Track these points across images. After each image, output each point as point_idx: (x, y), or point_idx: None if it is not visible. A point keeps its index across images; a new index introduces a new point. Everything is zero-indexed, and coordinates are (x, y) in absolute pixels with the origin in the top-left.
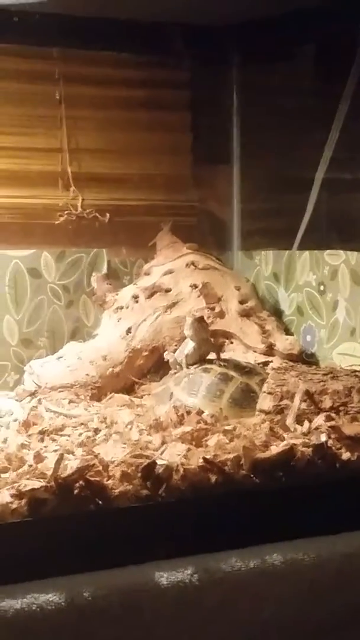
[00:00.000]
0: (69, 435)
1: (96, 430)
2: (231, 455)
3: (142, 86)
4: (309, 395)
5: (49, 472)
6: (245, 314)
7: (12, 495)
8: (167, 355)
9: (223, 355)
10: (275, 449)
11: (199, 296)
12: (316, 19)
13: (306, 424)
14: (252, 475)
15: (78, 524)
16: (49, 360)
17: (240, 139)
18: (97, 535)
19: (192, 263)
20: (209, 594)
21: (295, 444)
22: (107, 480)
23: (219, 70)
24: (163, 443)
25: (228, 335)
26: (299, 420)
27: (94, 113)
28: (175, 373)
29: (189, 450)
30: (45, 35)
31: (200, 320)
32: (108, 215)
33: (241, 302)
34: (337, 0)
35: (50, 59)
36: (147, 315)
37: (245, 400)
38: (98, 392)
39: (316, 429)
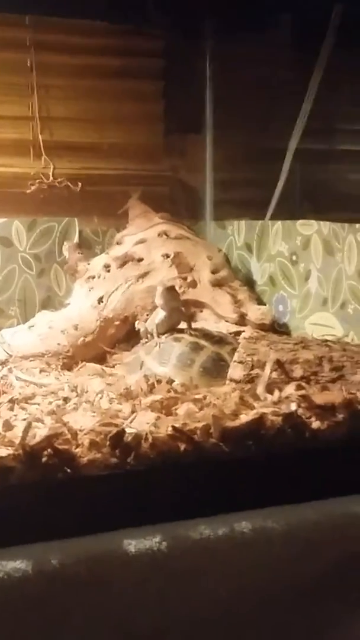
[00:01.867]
0: (39, 404)
1: (66, 399)
2: (200, 424)
3: (114, 54)
4: (279, 364)
5: (17, 440)
6: (218, 284)
7: None
8: (139, 325)
9: (194, 325)
10: (245, 417)
11: (170, 266)
12: None
13: (276, 393)
14: (221, 444)
15: (46, 492)
16: (20, 329)
17: (213, 108)
18: (65, 503)
19: (164, 232)
20: (177, 561)
21: (265, 413)
22: (76, 449)
23: (192, 39)
24: (133, 412)
25: (200, 305)
26: (269, 389)
27: (66, 81)
28: (146, 342)
29: (158, 418)
30: (17, 2)
31: (171, 290)
32: (80, 184)
33: (213, 272)
34: None
35: (21, 26)
36: (119, 285)
37: (215, 369)
38: (69, 361)
39: (286, 398)
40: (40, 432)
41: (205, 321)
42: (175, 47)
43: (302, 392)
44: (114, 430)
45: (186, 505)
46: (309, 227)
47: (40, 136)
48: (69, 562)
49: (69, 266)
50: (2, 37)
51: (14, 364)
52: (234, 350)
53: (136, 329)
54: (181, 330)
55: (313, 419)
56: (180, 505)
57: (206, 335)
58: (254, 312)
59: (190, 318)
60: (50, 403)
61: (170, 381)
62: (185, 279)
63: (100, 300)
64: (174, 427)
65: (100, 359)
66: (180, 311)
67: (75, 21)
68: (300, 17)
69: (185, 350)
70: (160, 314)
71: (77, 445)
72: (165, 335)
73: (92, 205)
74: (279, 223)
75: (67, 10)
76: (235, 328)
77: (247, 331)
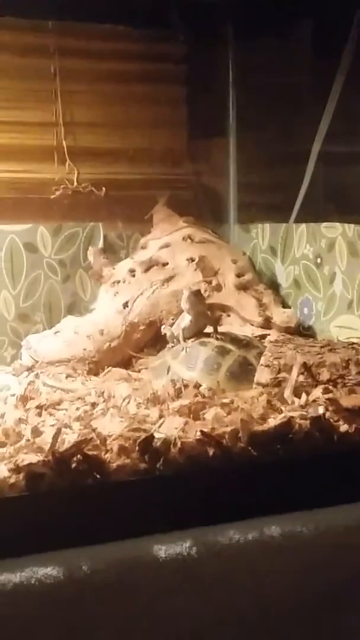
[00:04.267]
0: (66, 410)
1: (93, 405)
2: (229, 428)
3: (138, 59)
4: (306, 367)
5: (47, 447)
6: (242, 287)
7: (9, 470)
8: (165, 329)
9: (220, 329)
10: (273, 421)
11: (195, 270)
12: None
13: (304, 396)
14: (249, 448)
15: (76, 497)
16: (46, 335)
17: (236, 112)
18: (95, 509)
19: (189, 236)
20: (207, 566)
21: (292, 417)
22: (105, 454)
23: (215, 44)
24: (160, 417)
25: (225, 309)
26: (296, 392)
27: (90, 86)
28: (172, 347)
29: (186, 423)
30: (40, 8)
31: (197, 294)
32: (104, 189)
33: (238, 276)
34: None
35: (45, 31)
36: (144, 289)
37: (242, 373)
38: (95, 367)
39: (314, 401)
40: (69, 438)
41: (231, 325)
42: (198, 52)
43: (329, 395)
44: (143, 435)
45: (215, 510)
46: (333, 230)
47: (64, 142)
48: (99, 568)
49: (94, 271)
50: (26, 43)
51: (40, 369)
52: (260, 354)
53: (162, 334)
54: (207, 335)
55: (341, 422)
56: (210, 510)
57: (233, 339)
58: (279, 316)
59: (216, 322)
60: (77, 409)
61: (197, 385)
62: (210, 282)
63: (125, 305)
64: (202, 432)
65: (126, 363)
66: (206, 315)
67: (98, 26)
68: (323, 19)
69: (212, 355)
70: (186, 318)
71: (107, 451)
72: (192, 339)
73: (116, 210)
74: (303, 226)
75: (90, 16)
76: (260, 331)
77: (273, 334)
